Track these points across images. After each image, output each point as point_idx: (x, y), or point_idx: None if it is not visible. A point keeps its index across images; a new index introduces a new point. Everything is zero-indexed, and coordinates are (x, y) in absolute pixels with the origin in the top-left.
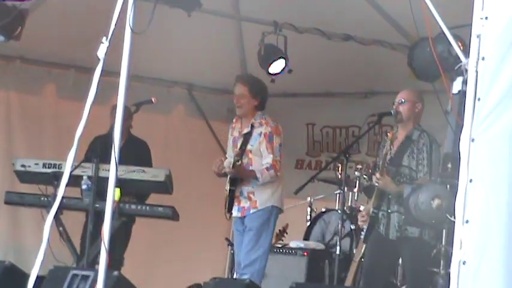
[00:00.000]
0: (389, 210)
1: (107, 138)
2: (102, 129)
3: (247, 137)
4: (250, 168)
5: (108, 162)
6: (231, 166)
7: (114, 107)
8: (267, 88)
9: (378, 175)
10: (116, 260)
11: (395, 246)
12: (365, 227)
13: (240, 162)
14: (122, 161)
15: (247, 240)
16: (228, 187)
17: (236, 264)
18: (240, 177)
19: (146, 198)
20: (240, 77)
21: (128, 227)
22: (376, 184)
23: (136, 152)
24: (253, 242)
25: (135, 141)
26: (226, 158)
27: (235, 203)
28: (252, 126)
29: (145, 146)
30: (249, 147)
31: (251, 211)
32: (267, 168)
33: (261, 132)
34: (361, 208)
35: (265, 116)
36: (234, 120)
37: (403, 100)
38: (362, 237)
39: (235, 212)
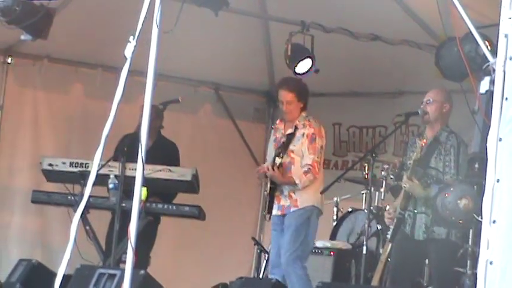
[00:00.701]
0: (415, 211)
1: (135, 137)
2: (129, 129)
3: (290, 138)
4: (292, 167)
5: (135, 161)
6: (270, 167)
7: (143, 107)
8: (308, 90)
9: (405, 178)
10: (142, 259)
11: (422, 246)
12: (391, 225)
13: (280, 158)
14: (150, 161)
15: (287, 238)
16: (268, 185)
17: (270, 264)
18: (277, 181)
19: (173, 199)
20: (285, 82)
21: (154, 227)
22: (404, 186)
23: (165, 152)
24: (294, 238)
25: (164, 142)
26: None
27: (275, 202)
28: (296, 128)
29: (174, 147)
30: (291, 147)
31: (292, 209)
32: (305, 172)
33: (304, 134)
34: (387, 207)
35: (309, 118)
36: (277, 122)
37: (430, 100)
38: (388, 236)
39: (274, 211)
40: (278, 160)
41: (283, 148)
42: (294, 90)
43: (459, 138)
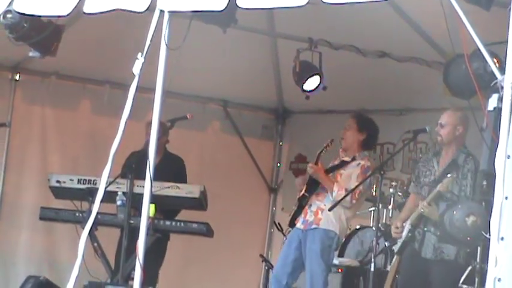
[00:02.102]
0: (425, 229)
1: (142, 154)
2: (137, 145)
3: (344, 164)
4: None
5: (143, 178)
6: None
7: (149, 124)
8: (378, 129)
9: (425, 203)
10: (150, 276)
11: (429, 265)
12: (399, 239)
13: (325, 150)
14: (158, 177)
15: (309, 262)
16: (303, 192)
17: (274, 278)
18: (318, 178)
19: (176, 215)
20: (355, 112)
21: (163, 244)
22: (422, 211)
23: (172, 168)
24: (316, 266)
25: (171, 158)
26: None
27: (302, 215)
28: (354, 159)
29: (182, 162)
30: (341, 171)
31: (312, 226)
32: (346, 190)
33: (360, 164)
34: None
35: (370, 156)
36: (340, 150)
37: (442, 123)
38: (395, 249)
39: (299, 223)
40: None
41: (333, 168)
42: (357, 117)
43: (477, 161)
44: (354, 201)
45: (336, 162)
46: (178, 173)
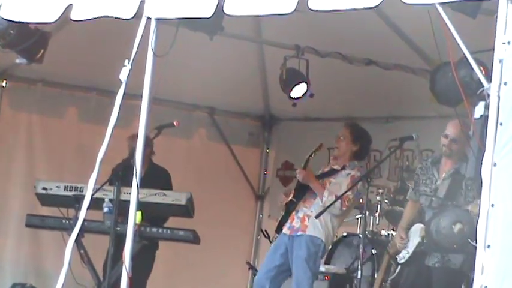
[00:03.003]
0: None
1: (127, 163)
2: (124, 153)
3: (333, 172)
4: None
5: (130, 186)
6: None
7: (129, 138)
8: (371, 140)
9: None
10: (138, 285)
11: (433, 272)
12: (403, 249)
13: (314, 154)
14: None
15: (296, 268)
16: (291, 197)
17: (257, 282)
18: (308, 182)
19: (164, 223)
20: (349, 122)
21: (152, 253)
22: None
23: (158, 180)
24: (302, 272)
25: (156, 169)
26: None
27: (289, 220)
28: (344, 168)
29: (167, 173)
30: (331, 179)
31: (298, 233)
32: (336, 196)
33: (349, 174)
34: (383, 232)
35: (360, 166)
36: (331, 158)
37: (452, 136)
38: (400, 260)
39: (285, 229)
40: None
41: (322, 176)
42: (351, 127)
43: None
44: (343, 209)
45: (326, 170)
46: (163, 185)
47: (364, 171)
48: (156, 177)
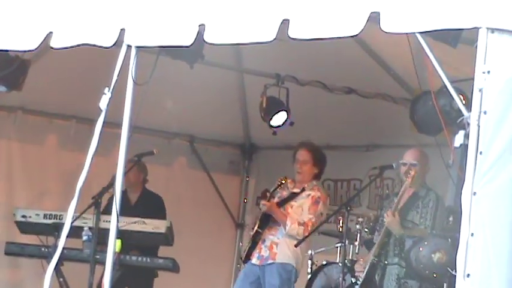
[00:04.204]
0: (386, 262)
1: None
2: (104, 181)
3: (294, 195)
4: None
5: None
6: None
7: (130, 161)
8: (326, 161)
9: (389, 212)
10: None
11: None
12: (361, 277)
13: (278, 189)
14: (137, 214)
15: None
16: (256, 228)
17: None
18: (272, 213)
19: (156, 251)
20: (305, 144)
21: (150, 282)
22: (385, 219)
23: (151, 206)
24: None
25: (149, 195)
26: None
27: (257, 250)
28: (303, 189)
29: (160, 200)
30: (292, 202)
31: (268, 261)
32: (299, 223)
33: (310, 195)
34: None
35: (318, 185)
36: (288, 181)
37: (413, 162)
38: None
39: (254, 259)
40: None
41: (284, 201)
42: (313, 151)
43: (438, 195)
44: (305, 234)
45: (285, 194)
46: (157, 211)
47: (324, 190)
48: (148, 203)
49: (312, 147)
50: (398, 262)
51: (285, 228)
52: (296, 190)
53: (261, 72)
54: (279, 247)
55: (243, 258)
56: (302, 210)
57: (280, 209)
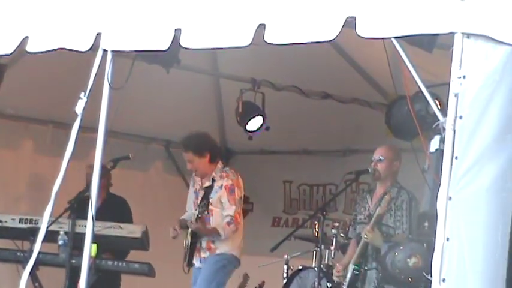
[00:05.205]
0: (365, 268)
1: (83, 195)
2: (80, 185)
3: (208, 191)
4: (211, 218)
5: (86, 218)
6: (193, 219)
7: (88, 166)
8: (211, 138)
9: (368, 228)
10: None
11: None
12: (343, 283)
13: (200, 212)
14: (101, 219)
15: (198, 283)
16: (189, 240)
17: None
18: (201, 233)
19: (126, 255)
20: (181, 143)
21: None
22: (365, 237)
23: (115, 210)
24: (205, 284)
25: (114, 200)
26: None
27: (196, 255)
28: (213, 180)
29: (125, 203)
30: (210, 199)
31: (207, 255)
32: (228, 223)
33: (222, 185)
34: (337, 265)
35: (226, 169)
36: (194, 174)
37: (381, 158)
38: None
39: (197, 263)
40: (195, 212)
41: (202, 201)
42: (189, 148)
43: (410, 193)
44: (238, 226)
45: (201, 193)
46: (121, 214)
47: (235, 172)
48: (113, 207)
49: (187, 145)
50: (376, 266)
51: (220, 237)
52: (207, 184)
53: (237, 76)
54: (216, 243)
55: (185, 264)
56: (223, 205)
57: (204, 209)
